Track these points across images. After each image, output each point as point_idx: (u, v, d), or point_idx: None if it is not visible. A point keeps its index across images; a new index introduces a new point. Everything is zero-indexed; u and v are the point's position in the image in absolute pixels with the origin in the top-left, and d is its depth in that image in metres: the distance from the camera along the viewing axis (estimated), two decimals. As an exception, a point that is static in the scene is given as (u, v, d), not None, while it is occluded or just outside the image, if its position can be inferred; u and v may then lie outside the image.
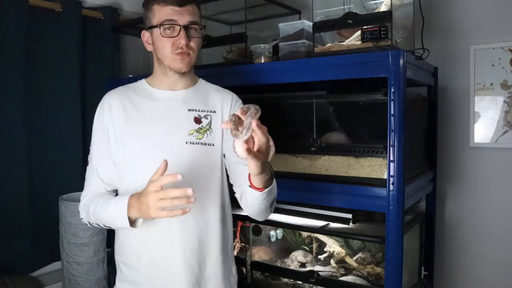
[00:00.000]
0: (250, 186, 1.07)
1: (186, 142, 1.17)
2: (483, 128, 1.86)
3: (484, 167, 1.88)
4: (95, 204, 1.14)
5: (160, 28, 1.13)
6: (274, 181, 1.10)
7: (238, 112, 0.93)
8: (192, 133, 1.18)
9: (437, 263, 1.95)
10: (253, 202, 1.11)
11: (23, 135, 1.88)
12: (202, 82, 1.29)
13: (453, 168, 1.95)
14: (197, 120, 1.20)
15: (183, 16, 1.13)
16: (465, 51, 1.88)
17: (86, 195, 1.20)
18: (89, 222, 1.18)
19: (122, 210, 1.06)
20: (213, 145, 1.20)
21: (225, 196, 1.25)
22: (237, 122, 0.93)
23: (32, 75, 1.92)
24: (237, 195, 1.24)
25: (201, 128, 1.19)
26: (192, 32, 1.15)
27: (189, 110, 1.20)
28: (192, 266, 1.17)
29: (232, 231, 1.30)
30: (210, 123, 1.21)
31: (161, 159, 1.02)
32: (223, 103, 1.25)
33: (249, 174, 1.05)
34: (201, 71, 1.87)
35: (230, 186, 1.27)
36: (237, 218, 1.87)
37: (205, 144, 1.18)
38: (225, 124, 0.94)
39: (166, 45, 1.14)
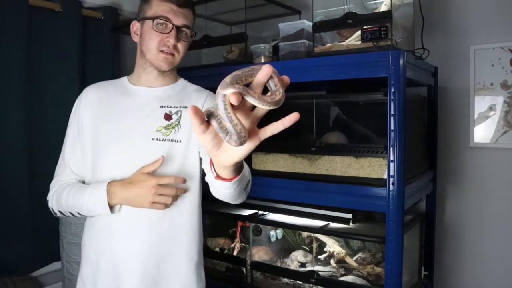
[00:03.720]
0: (216, 177, 0.83)
1: (153, 139, 1.16)
2: (483, 128, 1.86)
3: (484, 167, 1.88)
4: (68, 192, 1.16)
5: (153, 21, 1.14)
6: (245, 164, 0.89)
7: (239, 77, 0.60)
8: (160, 130, 1.17)
9: (437, 263, 1.95)
10: (223, 192, 0.93)
11: (23, 135, 1.87)
12: (182, 82, 1.28)
13: (453, 168, 1.95)
14: (167, 117, 1.19)
15: (178, 17, 1.15)
16: (465, 51, 1.88)
17: (55, 184, 1.22)
18: (59, 211, 1.19)
19: (101, 197, 1.09)
20: (180, 141, 1.17)
21: (193, 192, 1.20)
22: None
23: (31, 75, 1.92)
24: (210, 188, 1.04)
25: (170, 125, 1.18)
26: (182, 35, 1.17)
27: (161, 106, 1.20)
28: (148, 265, 1.14)
29: (201, 232, 1.26)
30: (179, 119, 1.19)
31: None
32: (196, 99, 1.23)
33: (211, 163, 0.82)
34: (201, 71, 1.88)
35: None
36: (237, 218, 1.87)
37: (171, 140, 1.17)
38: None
39: (154, 39, 1.15)
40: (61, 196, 1.17)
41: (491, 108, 1.83)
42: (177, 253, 1.18)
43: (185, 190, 1.16)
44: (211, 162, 0.82)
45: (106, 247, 1.17)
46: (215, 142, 0.66)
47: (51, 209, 1.22)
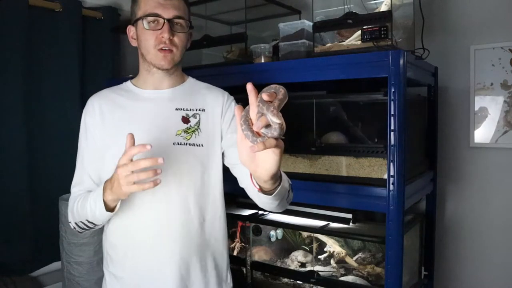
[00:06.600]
0: (259, 190, 0.94)
1: (174, 143, 1.12)
2: (483, 128, 1.86)
3: (484, 167, 1.88)
4: (78, 201, 1.12)
5: (143, 20, 1.11)
6: (283, 173, 0.97)
7: (264, 97, 0.76)
8: (180, 134, 1.14)
9: (437, 263, 1.94)
10: (266, 202, 1.00)
11: (22, 135, 1.88)
12: (190, 81, 1.25)
13: (453, 168, 1.95)
14: (185, 120, 1.15)
15: (167, 10, 1.11)
16: (465, 51, 1.88)
17: (71, 199, 1.18)
18: (76, 224, 1.15)
19: (98, 195, 1.03)
20: (202, 145, 1.15)
21: (217, 197, 1.20)
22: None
23: (31, 75, 1.92)
24: (249, 194, 1.12)
25: (189, 128, 1.15)
26: (176, 27, 1.13)
27: (177, 109, 1.16)
28: (180, 271, 1.13)
29: (226, 235, 1.25)
30: (198, 123, 1.16)
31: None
32: (213, 101, 1.20)
33: (252, 178, 0.93)
34: (201, 71, 1.88)
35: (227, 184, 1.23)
36: (237, 218, 1.87)
37: (193, 144, 1.14)
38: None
39: (149, 38, 1.12)
40: (73, 207, 1.13)
41: (488, 110, 1.84)
42: (204, 256, 1.17)
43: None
44: (251, 176, 0.92)
45: (134, 260, 1.13)
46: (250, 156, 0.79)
47: (70, 224, 1.18)
